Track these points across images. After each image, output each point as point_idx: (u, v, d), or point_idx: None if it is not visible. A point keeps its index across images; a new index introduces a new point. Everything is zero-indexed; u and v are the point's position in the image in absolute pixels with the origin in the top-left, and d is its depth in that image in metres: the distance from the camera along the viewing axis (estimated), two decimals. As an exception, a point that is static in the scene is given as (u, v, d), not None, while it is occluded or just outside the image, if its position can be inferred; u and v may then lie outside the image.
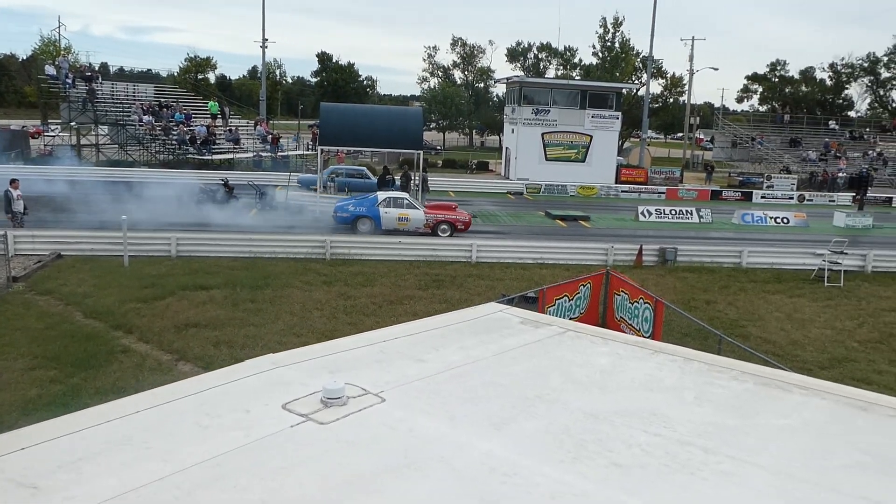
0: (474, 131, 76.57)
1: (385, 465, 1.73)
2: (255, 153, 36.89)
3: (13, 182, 17.88)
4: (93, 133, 36.78)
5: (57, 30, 63.07)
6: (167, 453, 1.73)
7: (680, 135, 71.40)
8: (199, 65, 78.71)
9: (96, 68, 40.79)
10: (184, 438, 1.83)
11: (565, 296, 11.62)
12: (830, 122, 55.39)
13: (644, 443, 1.94)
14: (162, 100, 39.20)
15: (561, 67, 72.70)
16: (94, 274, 14.73)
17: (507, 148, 43.27)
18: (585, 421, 2.06)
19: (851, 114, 67.79)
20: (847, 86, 70.95)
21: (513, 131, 41.09)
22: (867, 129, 54.93)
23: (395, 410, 2.04)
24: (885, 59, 65.03)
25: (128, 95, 38.21)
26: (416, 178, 26.86)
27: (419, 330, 2.89)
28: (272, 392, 2.12)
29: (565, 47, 72.96)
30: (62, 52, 50.61)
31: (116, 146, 36.03)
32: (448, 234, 21.00)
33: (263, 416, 1.95)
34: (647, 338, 10.50)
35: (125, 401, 2.08)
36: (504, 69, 75.71)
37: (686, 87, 62.11)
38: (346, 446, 1.81)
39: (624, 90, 49.16)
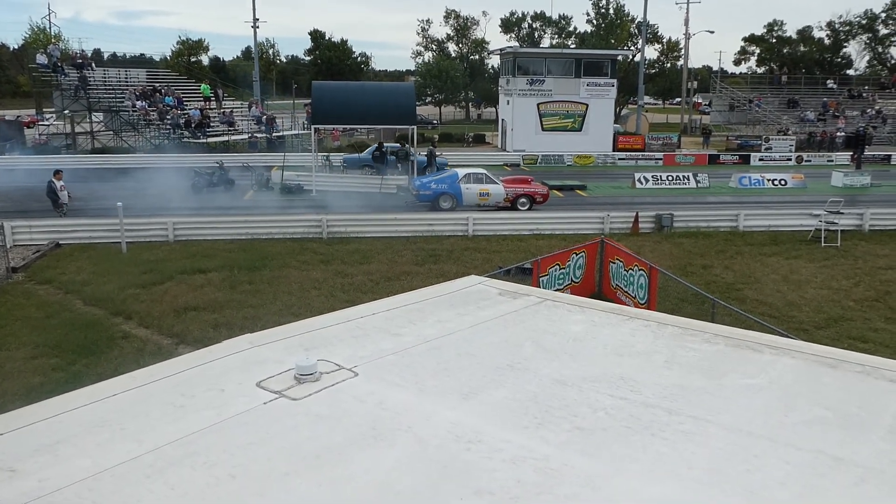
0: (470, 104, 76.11)
1: (353, 436, 1.75)
2: (249, 134, 36.73)
3: (57, 173, 17.94)
4: (87, 121, 36.62)
5: (47, 17, 62.59)
6: (141, 434, 1.76)
7: (678, 100, 70.91)
8: (191, 47, 78.07)
9: (88, 55, 40.48)
10: (158, 419, 1.85)
11: (557, 264, 11.70)
12: (829, 82, 54.83)
13: (609, 406, 1.96)
14: (155, 84, 38.95)
15: (556, 36, 72.10)
16: (93, 262, 14.77)
17: (502, 119, 42.99)
18: (553, 387, 2.09)
19: (850, 72, 67.27)
20: (845, 44, 70.39)
21: (508, 103, 40.79)
22: (866, 87, 54.45)
23: (367, 384, 2.06)
24: (884, 15, 64.44)
25: (120, 81, 37.96)
26: (412, 153, 26.69)
27: (397, 305, 2.90)
28: (247, 371, 2.14)
29: (560, 16, 72.60)
30: (52, 40, 50.16)
31: (111, 133, 35.90)
32: (527, 207, 21.01)
33: (237, 395, 1.97)
34: (643, 305, 10.56)
35: (103, 384, 2.11)
36: (499, 40, 75.16)
37: (683, 52, 61.64)
38: (317, 420, 1.84)
39: (619, 57, 48.65)
